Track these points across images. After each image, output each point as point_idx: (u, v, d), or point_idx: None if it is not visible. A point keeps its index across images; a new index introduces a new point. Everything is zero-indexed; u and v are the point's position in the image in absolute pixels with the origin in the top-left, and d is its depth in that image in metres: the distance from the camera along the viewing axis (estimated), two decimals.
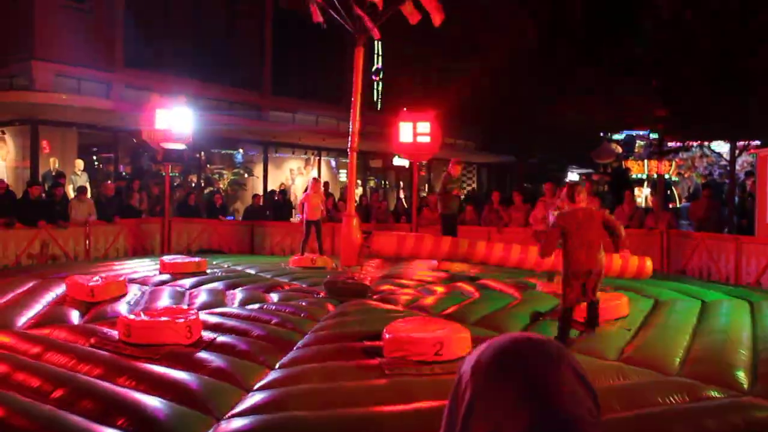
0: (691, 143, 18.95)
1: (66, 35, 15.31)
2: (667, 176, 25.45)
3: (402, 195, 24.45)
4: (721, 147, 18.42)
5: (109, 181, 14.61)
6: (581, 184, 8.37)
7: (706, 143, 18.24)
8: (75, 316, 7.41)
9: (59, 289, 8.41)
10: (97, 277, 8.47)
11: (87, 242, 12.99)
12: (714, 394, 5.09)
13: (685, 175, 24.73)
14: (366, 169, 24.36)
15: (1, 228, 11.56)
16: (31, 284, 8.78)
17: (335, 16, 9.13)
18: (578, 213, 6.77)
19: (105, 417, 4.44)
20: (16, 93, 14.60)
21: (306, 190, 13.58)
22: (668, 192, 24.94)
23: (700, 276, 11.88)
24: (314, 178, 14.08)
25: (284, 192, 18.49)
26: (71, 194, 14.22)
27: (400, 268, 11.97)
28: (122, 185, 15.46)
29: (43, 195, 12.85)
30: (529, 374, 1.02)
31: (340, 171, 23.42)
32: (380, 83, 24.86)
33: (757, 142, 16.46)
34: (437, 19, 9.08)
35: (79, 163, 15.95)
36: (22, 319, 7.15)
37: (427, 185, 24.88)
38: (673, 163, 24.99)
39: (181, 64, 17.48)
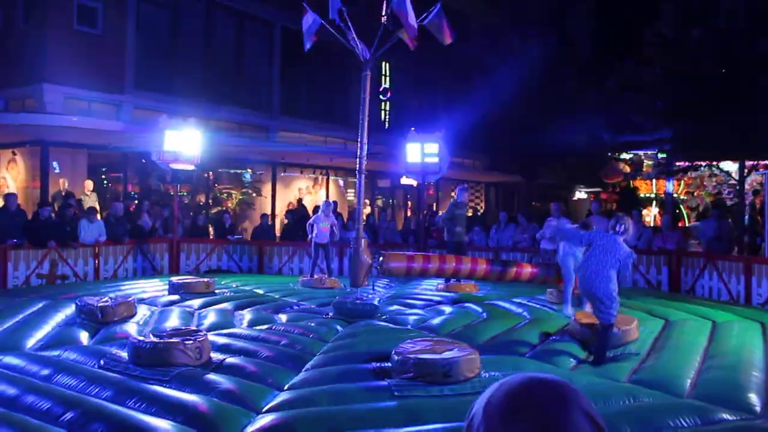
0: (699, 163, 18.94)
1: (77, 58, 15.46)
2: (675, 195, 25.41)
3: (410, 215, 24.47)
4: (730, 166, 18.39)
5: (119, 202, 14.68)
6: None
7: (714, 163, 18.21)
8: (84, 338, 7.43)
9: (69, 310, 8.44)
10: (106, 298, 8.50)
11: (96, 262, 13.05)
12: (726, 416, 5.05)
13: (694, 195, 24.65)
14: (374, 189, 24.40)
15: (10, 248, 11.63)
16: (40, 305, 8.82)
17: (343, 41, 9.22)
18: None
19: None
20: (27, 115, 14.74)
21: (316, 212, 13.60)
22: (677, 211, 24.86)
23: (710, 296, 11.82)
24: (326, 201, 14.04)
25: (292, 212, 18.49)
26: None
27: (408, 288, 11.97)
28: (131, 207, 15.54)
29: (53, 215, 12.94)
30: (541, 417, 1.03)
31: (348, 190, 23.48)
32: (388, 103, 24.97)
33: (766, 162, 16.43)
34: (447, 39, 9.15)
35: (89, 184, 16.06)
36: (32, 341, 7.17)
37: (435, 204, 24.88)
38: (682, 182, 24.95)
39: (190, 85, 17.62)
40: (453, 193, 11.78)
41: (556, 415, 1.03)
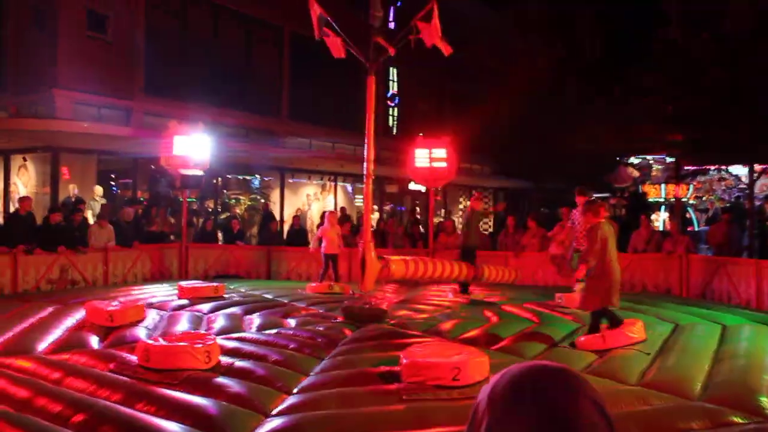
0: (708, 167, 18.87)
1: (87, 64, 15.58)
2: (684, 199, 25.32)
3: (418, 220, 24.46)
4: (739, 170, 18.30)
5: (130, 207, 14.74)
6: (597, 201, 8.40)
7: (723, 167, 18.13)
8: (94, 341, 7.46)
9: (78, 314, 8.47)
10: (115, 302, 8.53)
11: (105, 267, 13.10)
12: (737, 419, 5.02)
13: (704, 198, 24.57)
14: (382, 194, 24.42)
15: (21, 254, 11.69)
16: (50, 309, 8.86)
17: (348, 46, 9.24)
18: (607, 225, 7.53)
19: None
20: (38, 121, 14.84)
21: (322, 223, 13.58)
22: (686, 215, 24.77)
23: (720, 300, 11.75)
24: (330, 211, 14.00)
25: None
26: (91, 220, 14.37)
27: (417, 293, 11.96)
28: (139, 211, 15.59)
29: (63, 221, 13.00)
30: (548, 405, 1.00)
31: (357, 196, 23.50)
32: (395, 109, 25.00)
33: None
34: (446, 51, 9.14)
35: (99, 190, 16.14)
36: (43, 345, 7.20)
37: (443, 210, 24.88)
38: (691, 186, 24.86)
39: (199, 91, 17.70)
40: (471, 203, 11.85)
41: (563, 403, 1.00)
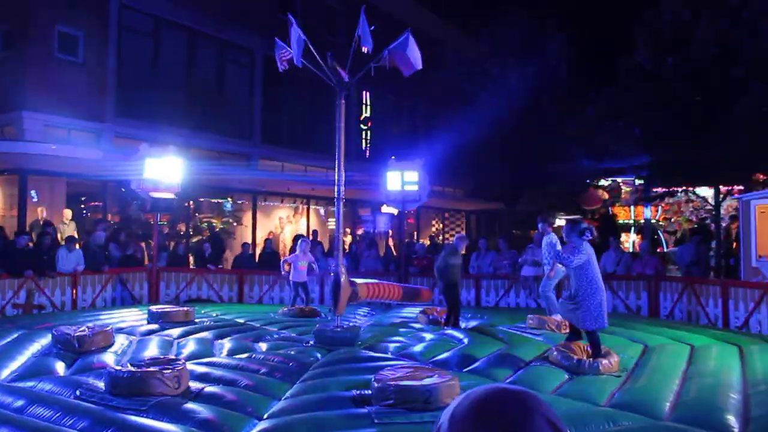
0: (675, 189, 19.19)
1: (57, 86, 15.46)
2: (653, 221, 25.70)
3: (391, 243, 24.49)
4: (706, 191, 18.65)
5: (101, 231, 14.56)
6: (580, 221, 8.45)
7: (690, 188, 18.46)
8: (61, 368, 7.32)
9: (45, 340, 8.32)
10: (83, 328, 8.39)
11: (74, 292, 12.90)
12: None
13: (672, 220, 24.96)
14: (355, 218, 24.43)
15: None
16: (16, 335, 8.69)
17: (315, 71, 9.30)
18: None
19: None
20: (6, 143, 14.64)
21: (294, 248, 13.43)
22: (655, 237, 25.13)
23: (688, 320, 11.91)
24: (303, 239, 13.65)
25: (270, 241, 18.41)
26: (60, 243, 14.17)
27: (388, 316, 11.95)
28: (106, 235, 15.41)
29: (30, 244, 12.80)
30: (505, 425, 1.05)
31: (329, 219, 23.48)
32: (369, 132, 25.11)
33: (741, 187, 16.68)
34: (408, 70, 9.15)
35: (68, 213, 15.93)
36: (6, 372, 7.06)
37: (415, 233, 24.96)
38: (660, 208, 25.26)
39: (171, 113, 17.64)
40: (454, 241, 11.27)
41: (521, 423, 1.05)
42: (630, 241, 25.87)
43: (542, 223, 10.29)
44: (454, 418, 1.08)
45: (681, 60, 15.07)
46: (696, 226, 22.21)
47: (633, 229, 26.58)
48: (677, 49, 15.18)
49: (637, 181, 24.25)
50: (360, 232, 23.84)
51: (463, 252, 11.34)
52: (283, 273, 12.81)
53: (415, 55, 8.97)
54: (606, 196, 27.08)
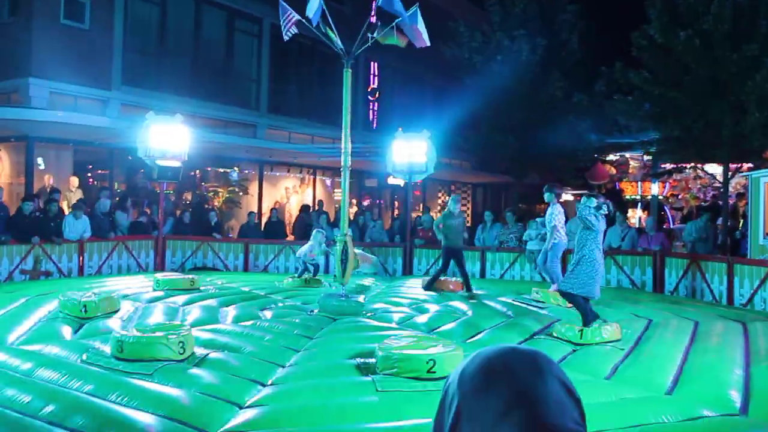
0: (684, 165, 19.03)
1: (63, 53, 15.36)
2: (660, 197, 25.57)
3: (396, 214, 24.49)
4: (715, 168, 18.50)
5: (106, 198, 14.58)
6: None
7: (699, 165, 18.31)
8: (67, 332, 7.38)
9: (51, 305, 8.38)
10: (90, 293, 8.45)
11: (81, 259, 12.97)
12: (707, 413, 5.09)
13: (679, 197, 24.81)
14: (361, 189, 24.40)
15: None
16: (23, 300, 8.75)
17: (324, 39, 9.22)
18: None
19: None
20: (13, 110, 14.62)
21: (300, 216, 13.33)
22: (662, 213, 25.01)
23: (693, 297, 11.91)
24: (319, 230, 12.52)
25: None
26: (66, 210, 14.20)
27: (394, 286, 11.99)
28: (112, 202, 15.46)
29: (38, 212, 12.84)
30: (516, 385, 1.02)
31: (335, 190, 23.46)
32: (376, 103, 24.97)
33: (750, 165, 16.54)
34: (421, 43, 9.10)
35: (74, 180, 15.94)
36: (14, 336, 7.12)
37: (422, 205, 24.91)
38: (667, 184, 25.11)
39: (178, 82, 17.56)
40: (444, 199, 11.56)
41: (533, 383, 1.03)
42: (636, 216, 25.76)
43: (549, 192, 10.22)
44: (464, 378, 1.07)
45: (694, 34, 14.83)
46: (704, 203, 22.11)
47: (640, 204, 26.47)
48: (690, 23, 14.94)
49: (646, 157, 24.08)
50: (366, 202, 23.85)
51: (458, 211, 11.37)
52: (298, 252, 12.52)
53: (423, 29, 8.92)
54: (614, 171, 26.94)
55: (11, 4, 15.91)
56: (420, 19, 8.92)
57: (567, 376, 1.08)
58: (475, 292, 10.73)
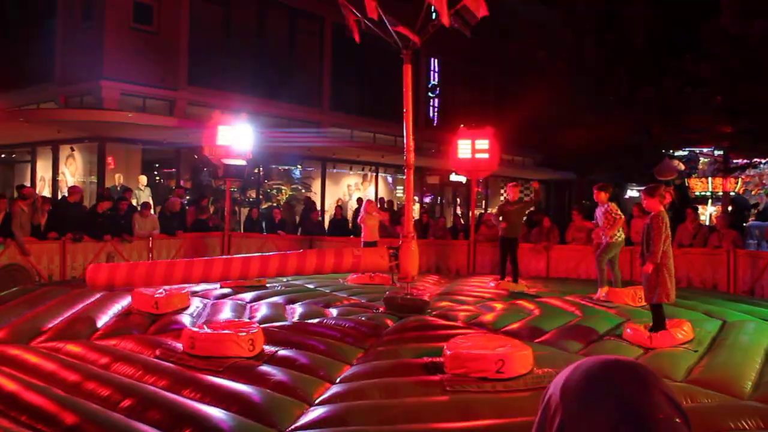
0: (758, 160, 18.37)
1: (133, 55, 15.83)
2: (732, 194, 24.71)
3: (459, 211, 24.36)
4: None
5: (175, 197, 14.94)
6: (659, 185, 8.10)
7: None
8: (141, 328, 7.58)
9: (125, 301, 8.62)
10: (161, 290, 8.65)
11: (150, 256, 13.31)
12: None
13: (753, 192, 23.94)
14: (422, 186, 24.36)
15: (69, 241, 11.96)
16: (98, 296, 9.02)
17: (381, 34, 9.15)
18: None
19: (172, 427, 4.52)
20: (86, 111, 15.14)
21: (360, 213, 13.49)
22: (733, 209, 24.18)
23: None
24: (368, 200, 13.76)
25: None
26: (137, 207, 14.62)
27: (458, 284, 11.91)
28: (186, 197, 15.81)
29: (109, 210, 13.24)
30: (623, 400, 0.99)
31: (397, 187, 23.48)
32: (437, 100, 24.87)
33: None
34: (481, 12, 8.78)
35: (143, 179, 16.41)
36: (91, 330, 7.35)
37: (484, 202, 24.73)
38: (740, 180, 24.26)
39: (242, 81, 17.87)
40: (503, 191, 11.61)
41: (639, 398, 0.99)
42: (707, 213, 24.97)
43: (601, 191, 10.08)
44: (567, 391, 1.03)
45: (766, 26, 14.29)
46: None
47: (710, 201, 25.63)
48: (765, 13, 14.39)
49: (716, 152, 23.32)
50: (427, 199, 23.80)
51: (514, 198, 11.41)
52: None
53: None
54: (682, 166, 26.18)
55: (84, 10, 16.46)
56: None
57: (672, 390, 1.04)
58: (523, 284, 10.98)
